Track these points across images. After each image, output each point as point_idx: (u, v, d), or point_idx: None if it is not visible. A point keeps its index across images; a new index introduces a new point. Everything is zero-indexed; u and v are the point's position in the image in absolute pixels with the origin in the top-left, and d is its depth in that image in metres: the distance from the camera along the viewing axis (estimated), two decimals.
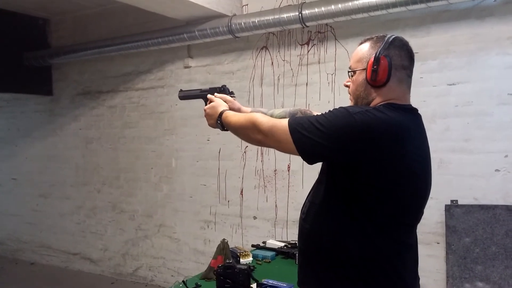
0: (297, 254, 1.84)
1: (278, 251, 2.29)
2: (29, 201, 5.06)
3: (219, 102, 1.52)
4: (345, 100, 1.34)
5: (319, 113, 1.20)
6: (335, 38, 3.14)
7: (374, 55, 1.17)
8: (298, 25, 3.04)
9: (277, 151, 1.22)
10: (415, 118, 1.22)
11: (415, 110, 1.24)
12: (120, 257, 4.37)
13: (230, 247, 2.07)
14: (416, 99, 1.32)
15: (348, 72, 1.28)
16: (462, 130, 2.68)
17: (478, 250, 2.60)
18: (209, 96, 1.57)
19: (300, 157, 1.15)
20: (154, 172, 4.10)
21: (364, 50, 1.22)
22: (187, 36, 3.46)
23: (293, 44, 3.32)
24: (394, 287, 1.17)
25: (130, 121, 4.24)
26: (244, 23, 3.18)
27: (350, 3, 2.74)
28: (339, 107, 1.14)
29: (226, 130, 1.45)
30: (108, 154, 4.41)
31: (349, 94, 1.28)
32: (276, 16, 3.04)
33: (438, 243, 2.76)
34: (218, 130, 1.49)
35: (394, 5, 2.62)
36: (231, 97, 1.61)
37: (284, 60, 3.36)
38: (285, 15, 3.01)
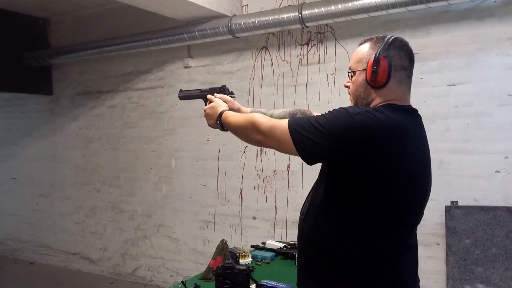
0: (296, 255, 1.83)
1: (278, 252, 2.28)
2: (29, 200, 5.06)
3: (219, 102, 1.52)
4: (345, 101, 1.34)
5: (319, 114, 1.20)
6: (335, 38, 3.13)
7: (374, 55, 1.17)
8: (298, 26, 3.04)
9: (276, 152, 1.22)
10: (415, 118, 1.22)
11: (415, 110, 1.23)
12: (119, 257, 4.37)
13: (229, 247, 2.07)
14: (416, 100, 1.32)
15: (348, 72, 1.28)
16: (462, 131, 2.68)
17: (478, 251, 2.60)
18: (209, 96, 1.57)
19: (299, 157, 1.15)
20: (154, 172, 4.10)
21: (364, 50, 1.22)
22: (187, 36, 3.46)
23: (293, 45, 3.32)
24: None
25: (130, 121, 4.24)
26: (244, 24, 3.18)
27: (350, 4, 2.74)
28: (339, 108, 1.14)
29: (226, 130, 1.44)
30: (108, 154, 4.40)
31: (349, 94, 1.28)
32: (276, 17, 3.04)
33: (438, 244, 2.76)
34: (217, 130, 1.49)
35: (394, 6, 2.62)
36: (231, 97, 1.61)
37: (284, 61, 3.36)
38: (285, 16, 3.01)
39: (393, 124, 1.11)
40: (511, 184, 2.56)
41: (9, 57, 4.35)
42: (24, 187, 5.12)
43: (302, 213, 1.30)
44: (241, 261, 2.09)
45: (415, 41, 2.66)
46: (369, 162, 1.09)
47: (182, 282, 1.83)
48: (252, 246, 2.44)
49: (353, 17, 2.80)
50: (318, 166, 1.25)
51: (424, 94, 2.74)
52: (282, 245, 2.36)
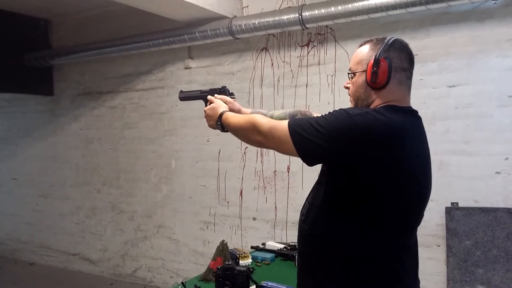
0: (296, 256, 1.83)
1: (278, 253, 2.28)
2: (29, 201, 5.06)
3: (219, 103, 1.52)
4: (345, 102, 1.34)
5: (319, 115, 1.20)
6: (335, 39, 3.14)
7: (374, 57, 1.17)
8: (298, 27, 3.05)
9: (277, 152, 1.22)
10: (415, 120, 1.22)
11: (415, 112, 1.24)
12: (119, 257, 4.37)
13: (229, 248, 2.07)
14: (416, 101, 1.32)
15: (348, 74, 1.28)
16: (462, 132, 2.68)
17: (479, 253, 2.60)
18: (209, 97, 1.57)
19: (299, 158, 1.15)
20: (154, 173, 4.10)
21: (364, 52, 1.22)
22: (187, 37, 3.47)
23: (293, 46, 3.32)
24: None
25: (130, 121, 4.25)
26: (244, 25, 3.19)
27: (350, 5, 2.74)
28: (339, 109, 1.14)
29: (226, 131, 1.45)
30: (108, 155, 4.41)
31: (349, 95, 1.28)
32: (276, 18, 3.04)
33: (438, 245, 2.76)
34: (218, 131, 1.49)
35: (393, 7, 2.62)
36: (231, 98, 1.61)
37: (284, 62, 3.36)
38: (285, 17, 3.01)
39: (393, 125, 1.12)
40: (511, 185, 2.56)
41: (10, 58, 4.35)
42: (24, 188, 5.12)
43: (302, 214, 1.30)
44: (241, 262, 2.09)
45: (415, 43, 2.66)
46: (369, 163, 1.09)
47: (182, 283, 1.83)
48: (252, 247, 2.45)
49: (353, 18, 2.80)
50: (318, 167, 1.25)
51: (424, 96, 2.74)
52: (282, 246, 2.36)
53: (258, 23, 3.12)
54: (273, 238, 3.37)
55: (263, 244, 2.47)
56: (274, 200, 3.43)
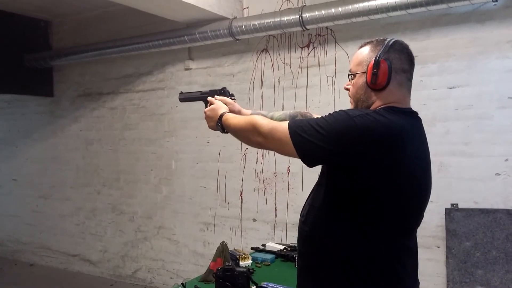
0: (296, 257, 1.83)
1: (278, 254, 2.28)
2: (29, 202, 5.06)
3: (219, 105, 1.52)
4: (345, 103, 1.34)
5: (319, 116, 1.21)
6: (335, 41, 3.14)
7: (374, 58, 1.18)
8: (299, 28, 3.05)
9: (277, 154, 1.22)
10: (415, 121, 1.23)
11: (415, 113, 1.24)
12: (120, 258, 4.37)
13: (229, 249, 2.07)
14: (416, 102, 1.33)
15: (348, 75, 1.28)
16: (462, 134, 2.68)
17: (478, 254, 2.60)
18: (209, 98, 1.57)
19: (300, 159, 1.15)
20: (154, 174, 4.10)
21: (364, 53, 1.22)
22: (188, 39, 3.47)
23: (293, 47, 3.32)
24: None
25: (130, 122, 4.25)
26: (244, 26, 3.19)
27: (350, 7, 2.74)
28: (339, 110, 1.14)
29: (226, 132, 1.45)
30: (108, 156, 4.41)
31: (349, 97, 1.29)
32: (277, 19, 3.05)
33: (438, 247, 2.76)
34: (218, 132, 1.49)
35: (394, 9, 2.62)
36: (232, 99, 1.61)
37: (284, 63, 3.37)
38: (285, 18, 3.02)
39: (393, 127, 1.12)
40: (511, 187, 2.56)
41: (10, 59, 4.36)
42: (24, 189, 5.12)
43: (302, 215, 1.30)
44: (241, 263, 2.09)
45: (415, 44, 2.66)
46: (369, 165, 1.09)
47: (182, 284, 1.83)
48: (252, 248, 2.44)
49: (354, 19, 2.81)
50: (318, 168, 1.25)
51: (424, 97, 2.74)
52: (282, 247, 2.36)
53: (258, 24, 3.13)
54: (273, 239, 3.37)
55: (263, 245, 2.47)
56: (274, 201, 3.43)
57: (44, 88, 4.72)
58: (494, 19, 2.59)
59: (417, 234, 1.26)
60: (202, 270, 2.10)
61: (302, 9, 2.96)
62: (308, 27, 3.01)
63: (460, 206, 2.68)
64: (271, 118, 1.49)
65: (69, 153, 4.70)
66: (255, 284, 1.74)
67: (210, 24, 3.34)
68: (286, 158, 3.17)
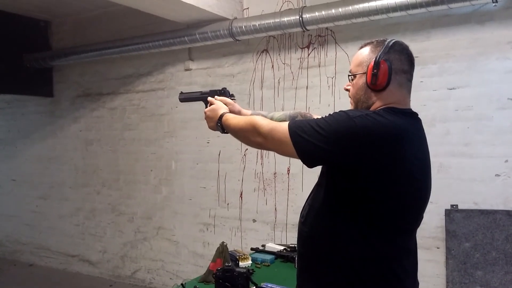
0: (296, 258, 1.83)
1: (277, 255, 2.28)
2: (28, 202, 5.06)
3: (219, 105, 1.52)
4: (345, 104, 1.34)
5: (319, 117, 1.21)
6: (335, 41, 3.14)
7: (374, 59, 1.18)
8: (299, 29, 3.05)
9: (277, 154, 1.22)
10: (415, 122, 1.23)
11: (415, 114, 1.24)
12: (119, 259, 4.37)
13: (229, 250, 2.07)
14: (416, 103, 1.33)
15: (348, 76, 1.28)
16: (462, 135, 2.69)
17: (478, 255, 2.59)
18: (209, 98, 1.57)
19: (300, 160, 1.15)
20: (154, 175, 4.10)
21: (364, 54, 1.22)
22: (188, 39, 3.47)
23: (293, 48, 3.32)
24: None
25: (130, 123, 4.25)
26: (244, 27, 3.19)
27: (350, 7, 2.75)
28: (339, 111, 1.14)
29: (226, 132, 1.45)
30: (108, 156, 4.41)
31: (350, 97, 1.29)
32: (277, 20, 3.05)
33: (438, 247, 2.76)
34: (218, 132, 1.49)
35: (394, 10, 2.62)
36: (232, 99, 1.61)
37: (284, 63, 3.37)
38: (285, 19, 3.02)
39: (393, 127, 1.12)
40: (511, 188, 2.56)
41: (10, 59, 4.36)
42: (23, 189, 5.12)
43: (302, 216, 1.30)
44: (241, 263, 2.09)
45: (415, 45, 2.66)
46: (369, 165, 1.09)
47: (182, 284, 1.83)
48: (252, 249, 2.44)
49: (354, 20, 2.81)
50: (318, 169, 1.25)
51: (424, 98, 2.75)
52: (282, 248, 2.36)
53: (258, 25, 3.13)
54: (273, 239, 3.37)
55: (263, 245, 2.47)
56: (274, 202, 3.43)
57: (44, 88, 4.72)
58: (494, 20, 2.59)
59: (417, 235, 1.26)
60: (202, 271, 2.10)
61: (302, 9, 2.96)
62: (308, 27, 3.01)
63: (460, 207, 2.68)
64: (271, 119, 1.49)
65: (68, 153, 4.70)
66: (255, 284, 1.74)
67: (210, 25, 3.34)
68: (286, 158, 3.18)
